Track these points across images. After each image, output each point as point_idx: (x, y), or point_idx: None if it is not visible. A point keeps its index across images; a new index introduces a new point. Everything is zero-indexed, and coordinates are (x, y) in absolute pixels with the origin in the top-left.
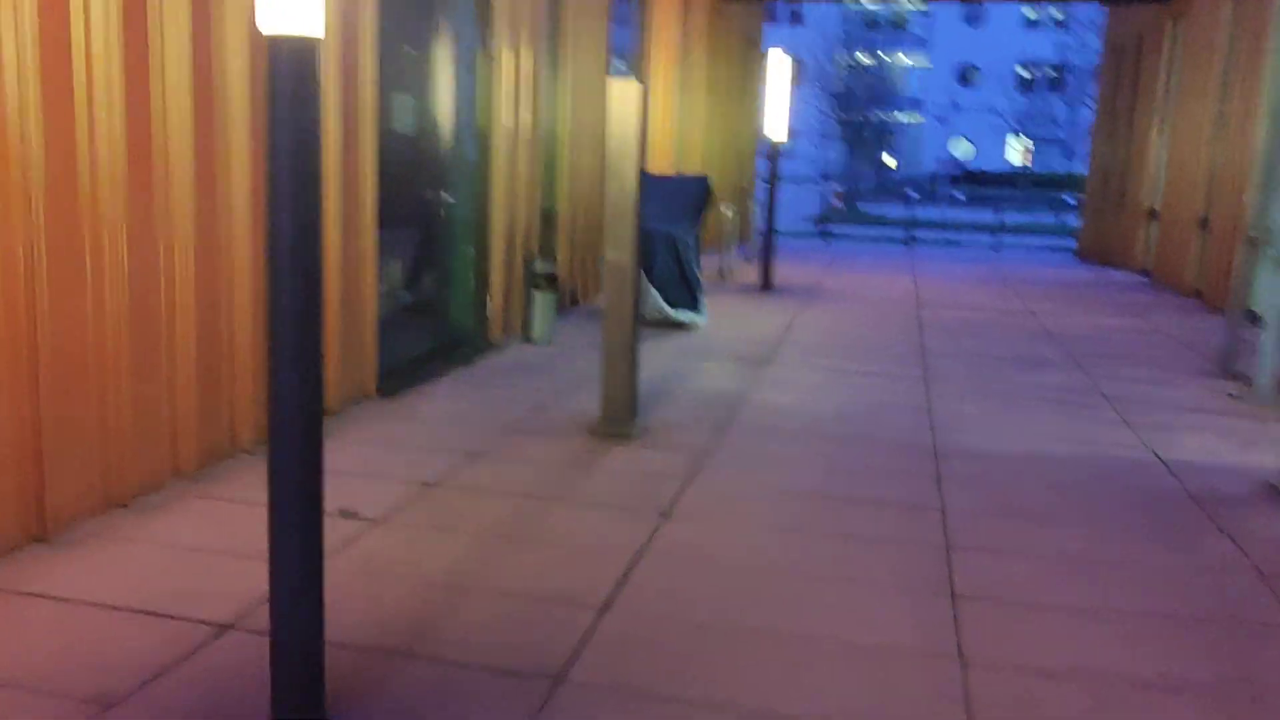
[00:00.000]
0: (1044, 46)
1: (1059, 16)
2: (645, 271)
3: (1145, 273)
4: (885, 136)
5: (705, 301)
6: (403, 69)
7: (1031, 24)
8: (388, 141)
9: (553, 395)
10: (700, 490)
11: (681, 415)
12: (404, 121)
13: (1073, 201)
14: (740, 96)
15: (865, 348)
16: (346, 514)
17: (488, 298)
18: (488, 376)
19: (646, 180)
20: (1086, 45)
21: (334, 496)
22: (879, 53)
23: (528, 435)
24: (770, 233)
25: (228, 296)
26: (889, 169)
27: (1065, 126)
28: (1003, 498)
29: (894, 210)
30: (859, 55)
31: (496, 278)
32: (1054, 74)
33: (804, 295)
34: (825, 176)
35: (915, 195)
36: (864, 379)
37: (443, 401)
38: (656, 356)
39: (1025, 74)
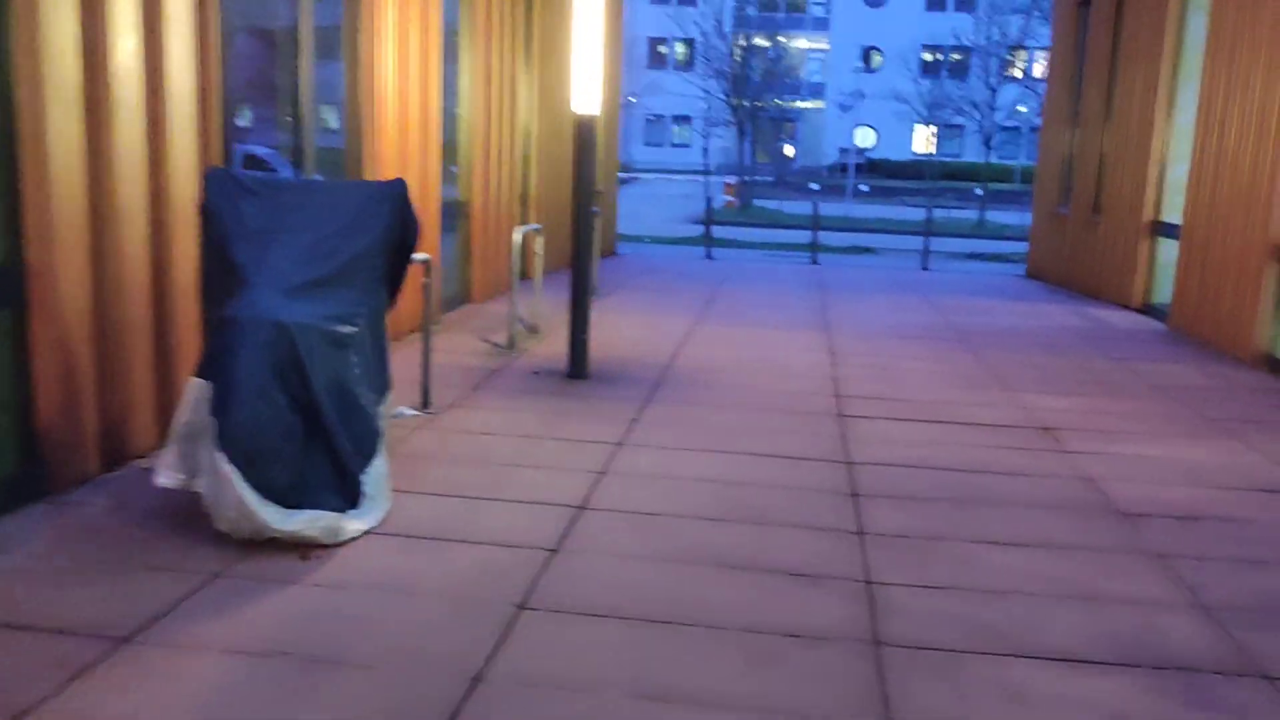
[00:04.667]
0: (950, 26)
1: None
2: (216, 418)
3: (1148, 310)
4: (784, 124)
5: (385, 470)
6: None
7: (935, 3)
8: None
9: None
10: None
11: None
12: None
13: (980, 193)
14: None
15: (744, 625)
16: None
17: None
18: None
19: (233, 194)
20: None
21: None
22: (777, 36)
23: None
24: (582, 273)
25: None
26: (788, 160)
27: (984, 111)
28: None
29: (794, 206)
30: (755, 37)
31: None
32: (959, 57)
33: (640, 391)
34: (708, 170)
35: (816, 187)
36: None
37: None
38: None
39: (929, 57)
